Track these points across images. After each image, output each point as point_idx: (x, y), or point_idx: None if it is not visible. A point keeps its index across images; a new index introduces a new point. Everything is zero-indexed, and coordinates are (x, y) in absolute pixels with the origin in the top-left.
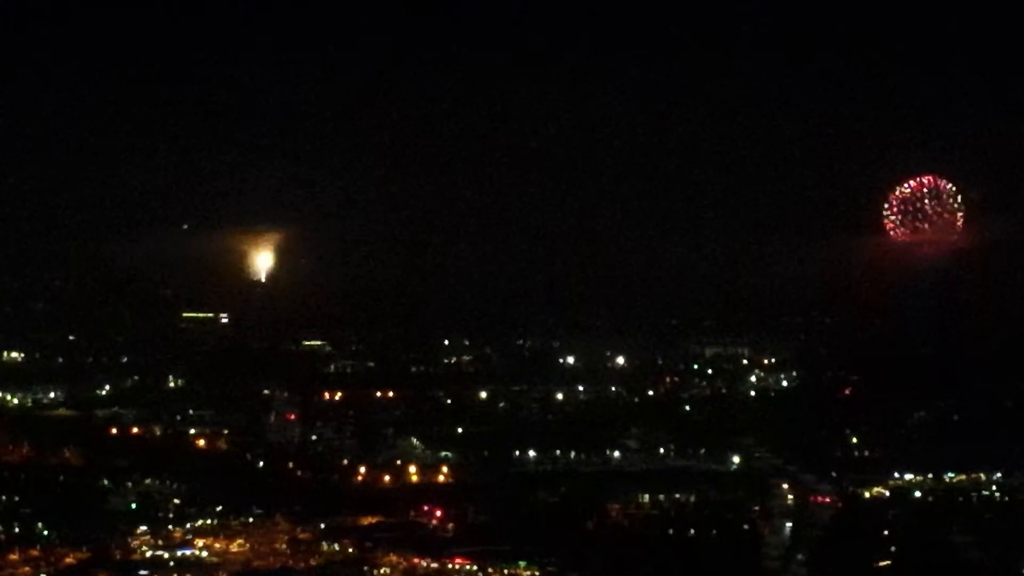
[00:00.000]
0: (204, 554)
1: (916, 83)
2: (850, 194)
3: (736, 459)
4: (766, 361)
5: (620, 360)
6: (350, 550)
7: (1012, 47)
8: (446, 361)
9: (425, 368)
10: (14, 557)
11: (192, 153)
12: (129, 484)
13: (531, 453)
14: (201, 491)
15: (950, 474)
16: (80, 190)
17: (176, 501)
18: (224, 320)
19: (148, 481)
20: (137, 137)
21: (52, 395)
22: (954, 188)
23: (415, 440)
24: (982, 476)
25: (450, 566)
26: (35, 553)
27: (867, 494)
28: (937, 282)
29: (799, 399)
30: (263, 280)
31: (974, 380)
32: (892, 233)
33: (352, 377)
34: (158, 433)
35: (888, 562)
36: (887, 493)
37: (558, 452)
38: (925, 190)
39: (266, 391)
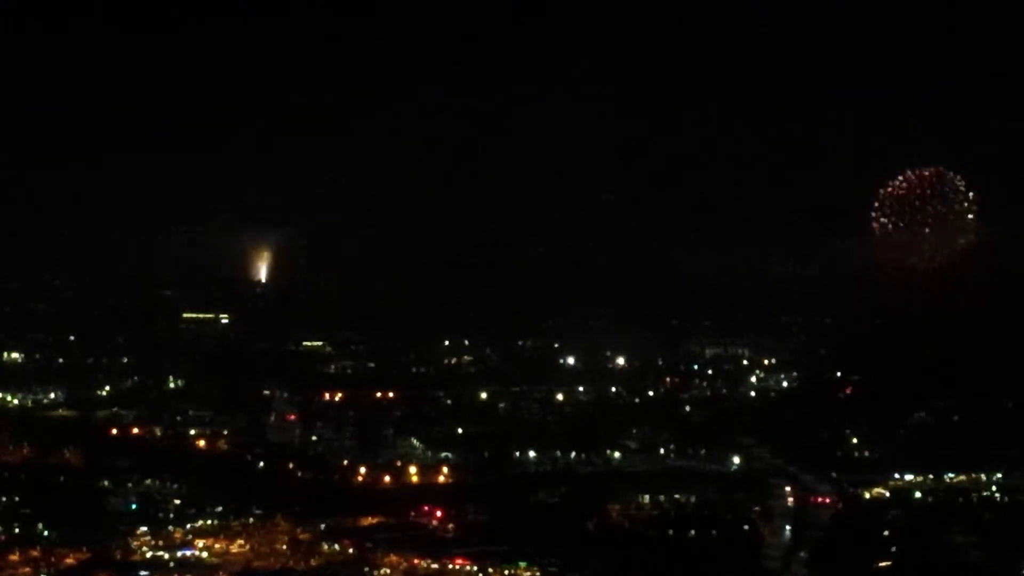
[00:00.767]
0: (204, 555)
1: (916, 82)
2: (850, 194)
3: (736, 460)
4: (766, 362)
5: (620, 361)
6: (350, 550)
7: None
8: (446, 362)
9: (425, 369)
10: (15, 557)
11: (192, 153)
12: (129, 485)
13: (531, 454)
14: (201, 492)
15: (950, 475)
16: (81, 191)
17: (176, 502)
18: (224, 321)
19: (148, 482)
20: (137, 137)
21: (52, 395)
22: (959, 185)
23: (415, 441)
24: (982, 477)
25: (450, 566)
26: (35, 553)
27: (867, 494)
28: (937, 282)
29: (799, 400)
30: (263, 281)
31: (974, 381)
32: (892, 232)
33: (352, 378)
34: (158, 434)
35: (888, 562)
36: (887, 493)
37: (558, 453)
38: (927, 187)
39: (266, 391)
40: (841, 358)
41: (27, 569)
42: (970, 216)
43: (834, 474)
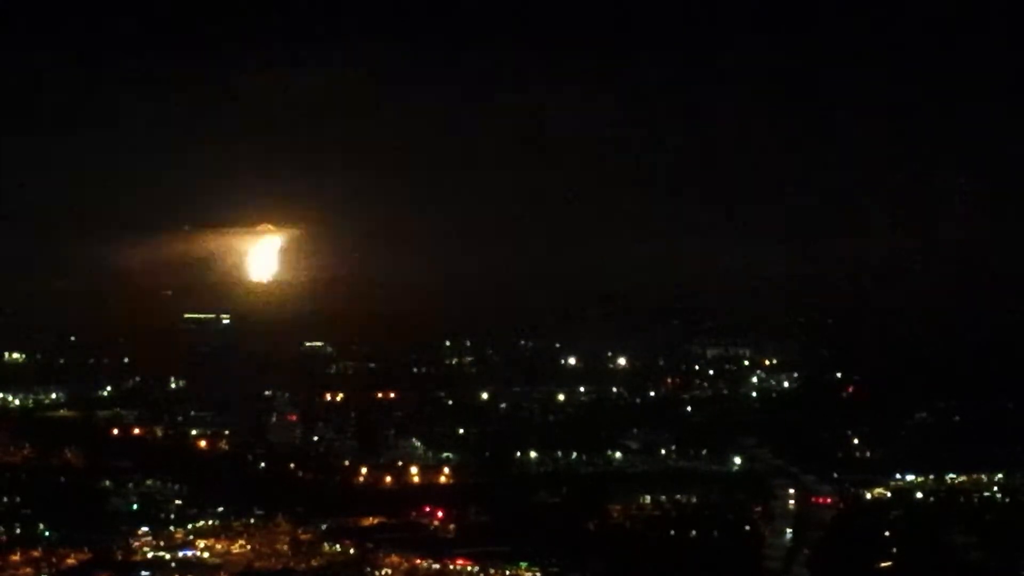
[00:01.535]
0: (205, 555)
1: (916, 82)
2: (851, 194)
3: (737, 460)
4: (767, 362)
5: (621, 361)
6: (351, 551)
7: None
8: (447, 362)
9: (427, 369)
10: (15, 558)
11: (192, 153)
12: (130, 485)
13: (532, 454)
14: (202, 492)
15: (951, 475)
16: (81, 191)
17: (177, 502)
18: (225, 321)
19: (149, 482)
20: (138, 137)
21: (53, 396)
22: (959, 185)
23: (416, 441)
24: (983, 477)
25: (451, 567)
26: (36, 554)
27: (868, 495)
28: (938, 282)
29: (800, 400)
30: (264, 281)
31: (975, 381)
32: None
33: (353, 378)
34: (159, 434)
35: (889, 563)
36: (888, 494)
37: (559, 453)
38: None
39: (267, 392)
40: (842, 359)
41: (28, 569)
42: (973, 215)
43: (835, 474)
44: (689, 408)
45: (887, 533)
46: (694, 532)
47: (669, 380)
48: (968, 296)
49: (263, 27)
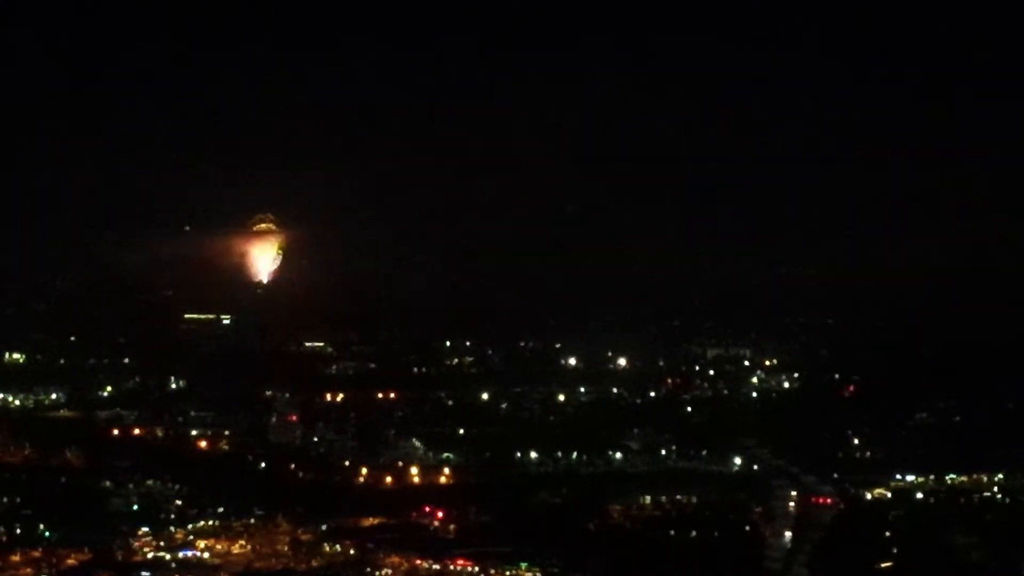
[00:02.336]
0: (206, 555)
1: (915, 82)
2: (851, 194)
3: (738, 460)
4: (768, 362)
5: (622, 361)
6: (352, 551)
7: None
8: (448, 362)
9: (427, 369)
10: (15, 558)
11: (192, 153)
12: (131, 485)
13: (532, 454)
14: (203, 492)
15: (952, 475)
16: (81, 191)
17: (178, 502)
18: (225, 321)
19: (150, 482)
20: (138, 137)
21: (54, 396)
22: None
23: (417, 441)
24: (984, 477)
25: (451, 567)
26: (36, 554)
27: (869, 495)
28: (938, 282)
29: (801, 400)
30: (264, 281)
31: (975, 381)
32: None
33: (354, 378)
34: (160, 434)
35: (890, 563)
36: (889, 494)
37: (559, 453)
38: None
39: (268, 392)
40: (842, 359)
41: (28, 570)
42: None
43: (835, 475)
44: (689, 408)
45: (887, 533)
46: (694, 532)
47: (669, 380)
48: (968, 296)
49: (263, 27)
